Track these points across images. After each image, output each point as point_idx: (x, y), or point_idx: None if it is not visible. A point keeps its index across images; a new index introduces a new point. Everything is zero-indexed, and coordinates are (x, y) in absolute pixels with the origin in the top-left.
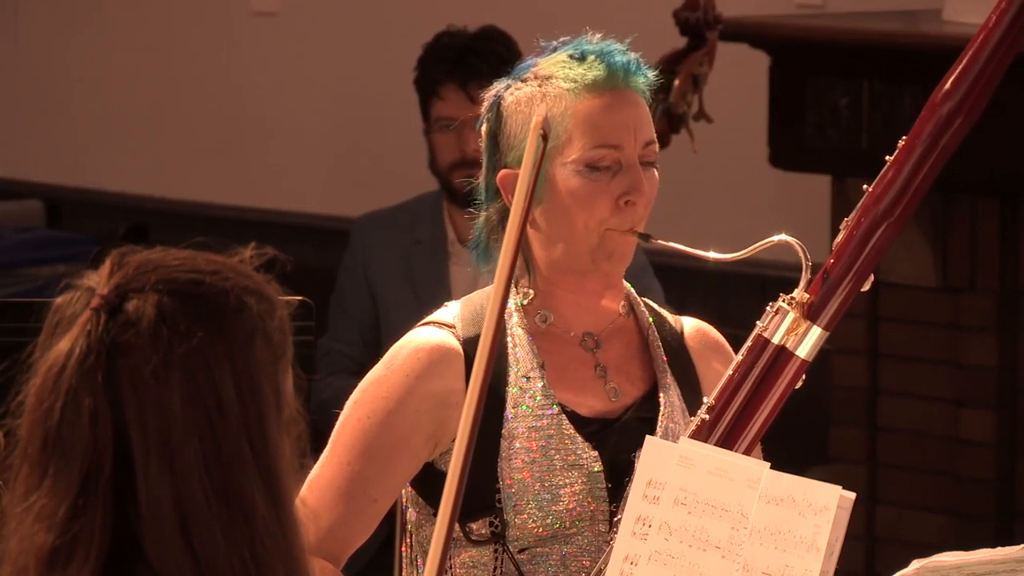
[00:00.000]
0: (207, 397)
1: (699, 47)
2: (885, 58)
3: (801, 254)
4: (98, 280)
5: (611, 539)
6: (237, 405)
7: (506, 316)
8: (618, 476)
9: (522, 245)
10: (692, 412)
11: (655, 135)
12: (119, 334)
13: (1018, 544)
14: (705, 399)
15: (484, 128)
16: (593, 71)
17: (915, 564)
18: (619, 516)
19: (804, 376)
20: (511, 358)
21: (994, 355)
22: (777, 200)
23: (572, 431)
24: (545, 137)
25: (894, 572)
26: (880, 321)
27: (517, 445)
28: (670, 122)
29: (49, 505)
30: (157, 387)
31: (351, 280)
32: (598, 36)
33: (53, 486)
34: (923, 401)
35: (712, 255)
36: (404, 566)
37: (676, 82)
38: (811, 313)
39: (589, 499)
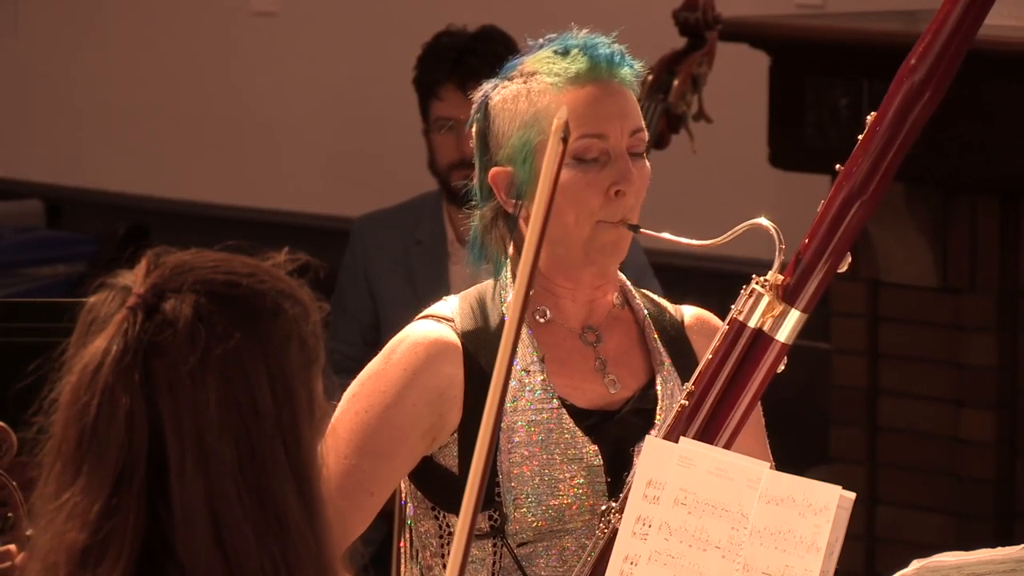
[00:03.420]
0: (243, 399)
1: (699, 47)
2: (885, 58)
3: (775, 236)
4: (134, 279)
5: (598, 531)
6: (272, 408)
7: (504, 309)
8: (617, 470)
9: (517, 241)
10: None
11: (643, 124)
12: (156, 334)
13: (1018, 544)
14: (685, 385)
15: (474, 129)
16: (576, 64)
17: (915, 564)
18: (604, 507)
19: (786, 360)
20: None
21: (994, 355)
22: (777, 200)
23: (572, 425)
24: (565, 139)
25: (894, 572)
26: (880, 321)
27: (517, 439)
28: (669, 122)
29: (82, 503)
30: (193, 388)
31: (351, 280)
32: (584, 31)
33: (87, 484)
34: (923, 401)
35: (695, 242)
36: (404, 561)
37: (675, 82)
38: (788, 295)
39: (589, 493)
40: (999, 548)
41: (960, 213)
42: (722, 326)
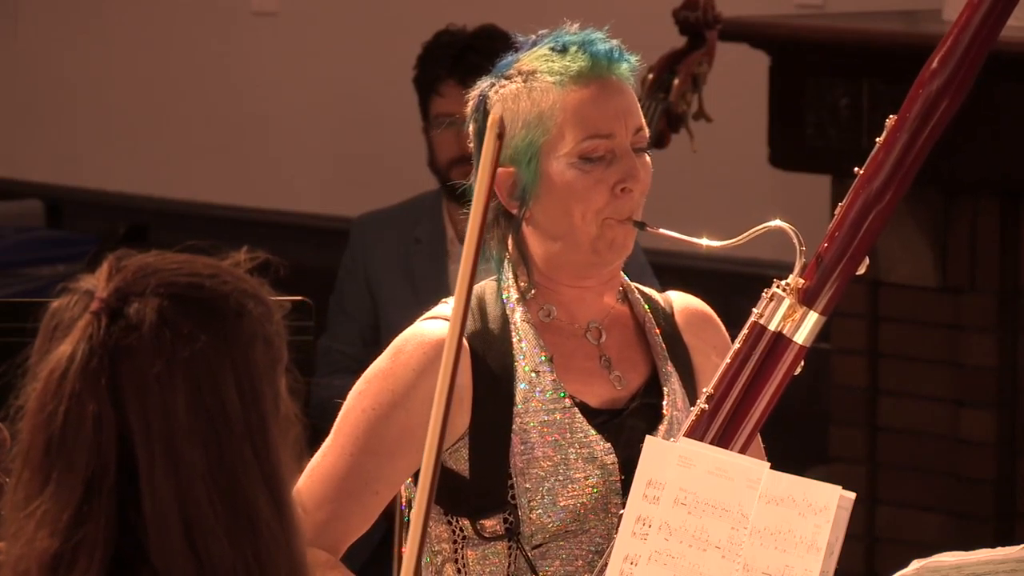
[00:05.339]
0: (211, 402)
1: (699, 47)
2: (885, 58)
3: (794, 239)
4: (96, 283)
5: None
6: (240, 410)
7: (509, 311)
8: (630, 467)
9: (519, 242)
10: (691, 397)
11: (644, 120)
12: (121, 338)
13: (1018, 544)
14: (704, 389)
15: (472, 128)
16: (577, 62)
17: (915, 564)
18: (623, 511)
19: (803, 363)
20: (517, 352)
21: (994, 355)
22: (777, 200)
23: (585, 424)
24: (501, 136)
25: (894, 572)
26: (880, 321)
27: (530, 440)
28: (670, 122)
29: (52, 511)
30: (161, 391)
31: (351, 280)
32: (576, 26)
33: (56, 491)
34: (923, 401)
35: (705, 242)
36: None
37: (676, 82)
38: (807, 298)
39: (604, 491)
40: (999, 548)
41: (960, 213)
42: (729, 330)
